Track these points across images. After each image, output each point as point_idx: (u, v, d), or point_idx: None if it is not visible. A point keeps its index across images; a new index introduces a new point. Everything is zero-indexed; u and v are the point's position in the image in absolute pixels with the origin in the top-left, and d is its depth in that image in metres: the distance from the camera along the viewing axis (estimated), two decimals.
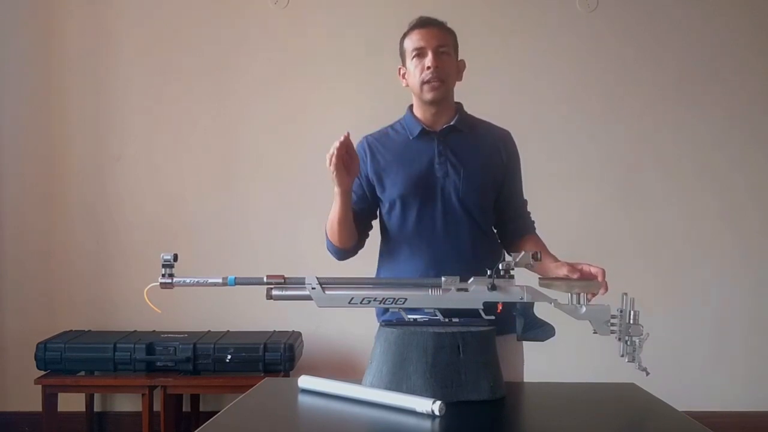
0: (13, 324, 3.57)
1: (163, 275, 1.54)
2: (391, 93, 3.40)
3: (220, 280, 1.55)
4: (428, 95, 1.89)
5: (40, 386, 3.17)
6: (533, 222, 2.04)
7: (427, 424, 1.36)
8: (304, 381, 1.62)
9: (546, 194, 3.40)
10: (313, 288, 1.54)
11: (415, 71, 1.89)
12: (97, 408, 3.56)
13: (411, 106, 2.00)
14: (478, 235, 1.92)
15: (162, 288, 1.54)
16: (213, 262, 3.48)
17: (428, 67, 1.86)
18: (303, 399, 1.58)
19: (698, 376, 3.59)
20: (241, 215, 3.60)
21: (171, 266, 1.54)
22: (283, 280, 1.55)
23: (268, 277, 1.54)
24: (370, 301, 1.56)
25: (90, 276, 3.59)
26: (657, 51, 3.62)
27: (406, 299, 1.57)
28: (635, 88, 3.61)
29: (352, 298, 1.56)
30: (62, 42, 3.59)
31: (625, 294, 1.55)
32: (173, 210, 3.59)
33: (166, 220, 3.57)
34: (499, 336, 1.60)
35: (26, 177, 3.60)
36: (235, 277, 1.54)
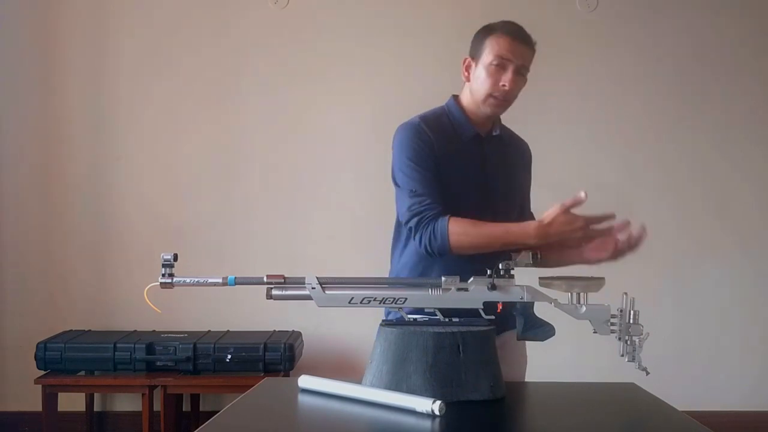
0: (13, 324, 3.56)
1: (163, 275, 1.54)
2: (391, 93, 3.44)
3: (220, 280, 1.55)
4: (488, 110, 1.82)
5: (40, 386, 3.17)
6: None
7: (427, 424, 1.36)
8: (304, 381, 1.62)
9: (545, 194, 3.40)
10: (313, 288, 1.54)
11: (488, 80, 1.78)
12: (97, 408, 3.56)
13: (457, 98, 1.89)
14: None
15: (162, 288, 1.54)
16: (213, 262, 3.48)
17: (503, 85, 1.77)
18: (303, 399, 1.58)
19: (698, 376, 3.59)
20: (241, 215, 3.60)
21: (171, 266, 1.54)
22: (283, 280, 1.55)
23: (268, 277, 1.54)
24: (370, 301, 1.56)
25: (90, 276, 3.58)
26: (657, 51, 3.62)
27: (406, 299, 1.57)
28: (635, 87, 3.61)
29: (352, 298, 1.56)
30: (62, 42, 3.59)
31: (625, 294, 1.55)
32: (173, 210, 3.59)
33: (166, 220, 3.57)
34: (500, 334, 1.61)
35: (26, 177, 3.60)
36: (235, 277, 1.54)
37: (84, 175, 3.60)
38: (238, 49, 3.60)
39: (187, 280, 1.55)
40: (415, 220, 1.75)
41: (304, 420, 1.53)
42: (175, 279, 1.54)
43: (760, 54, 3.63)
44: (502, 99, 1.80)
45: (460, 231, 1.69)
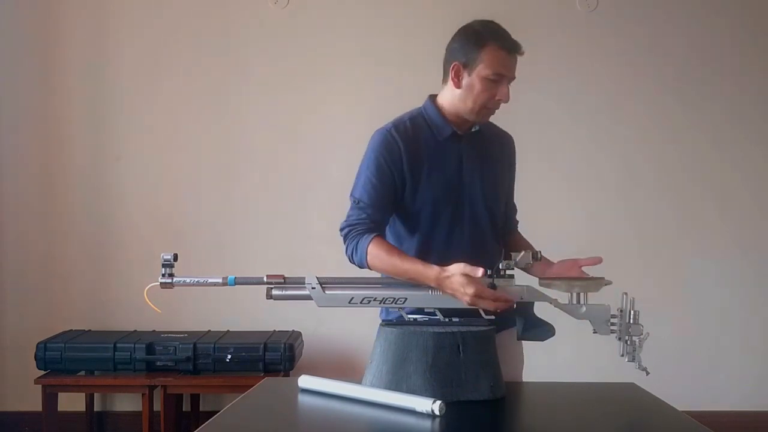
0: (13, 324, 3.56)
1: (163, 275, 1.54)
2: (391, 92, 3.43)
3: (220, 280, 1.55)
4: (479, 119, 1.81)
5: (40, 386, 3.17)
6: (517, 221, 2.05)
7: (427, 423, 1.36)
8: (304, 381, 1.62)
9: (545, 195, 3.41)
10: (313, 288, 1.55)
11: (483, 93, 1.75)
12: (97, 408, 3.56)
13: (434, 98, 1.87)
14: (496, 240, 1.90)
15: (162, 288, 1.55)
16: (213, 262, 3.47)
17: (499, 99, 1.76)
18: (303, 399, 1.58)
19: (698, 376, 3.59)
20: (241, 215, 3.60)
21: (171, 266, 1.55)
22: (283, 280, 1.55)
23: (268, 277, 1.55)
24: (370, 301, 1.57)
25: (90, 276, 3.58)
26: (657, 51, 3.61)
27: (406, 299, 1.57)
28: (635, 87, 3.61)
29: (352, 298, 1.56)
30: (62, 42, 3.59)
31: (625, 294, 1.55)
32: (173, 210, 3.58)
33: (166, 220, 3.57)
34: (499, 332, 1.61)
35: (26, 177, 3.60)
36: (235, 277, 1.55)
37: (84, 175, 3.59)
38: (238, 48, 3.60)
39: (187, 280, 1.55)
40: (347, 230, 1.77)
41: (304, 420, 1.53)
42: (175, 279, 1.55)
43: (760, 54, 3.63)
44: (494, 110, 1.81)
45: (374, 254, 1.69)
